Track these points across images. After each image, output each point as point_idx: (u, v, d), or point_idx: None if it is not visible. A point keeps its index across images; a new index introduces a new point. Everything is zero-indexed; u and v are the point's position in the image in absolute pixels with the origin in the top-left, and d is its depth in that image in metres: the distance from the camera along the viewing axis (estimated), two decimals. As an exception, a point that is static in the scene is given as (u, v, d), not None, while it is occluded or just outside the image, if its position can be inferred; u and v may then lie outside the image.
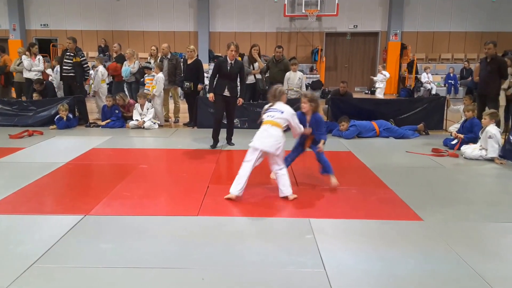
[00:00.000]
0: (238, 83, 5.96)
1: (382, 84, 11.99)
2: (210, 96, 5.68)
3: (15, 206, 3.48)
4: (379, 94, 11.97)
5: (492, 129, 5.10)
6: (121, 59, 8.56)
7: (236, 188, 3.62)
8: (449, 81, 13.14)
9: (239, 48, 5.66)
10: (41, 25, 14.96)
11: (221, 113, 5.87)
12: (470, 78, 11.13)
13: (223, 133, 5.99)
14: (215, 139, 5.85)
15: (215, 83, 5.69)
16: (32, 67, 8.44)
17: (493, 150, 5.04)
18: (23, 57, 8.46)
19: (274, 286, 2.31)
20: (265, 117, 3.77)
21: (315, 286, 2.31)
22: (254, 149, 3.69)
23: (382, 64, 11.20)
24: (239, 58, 6.02)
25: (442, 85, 13.35)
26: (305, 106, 3.93)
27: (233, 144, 5.98)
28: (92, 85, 8.26)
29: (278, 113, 3.70)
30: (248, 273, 2.44)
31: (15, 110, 7.57)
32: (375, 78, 12.36)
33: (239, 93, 5.84)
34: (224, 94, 5.65)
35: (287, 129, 3.79)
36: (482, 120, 5.29)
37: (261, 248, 2.74)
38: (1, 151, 5.41)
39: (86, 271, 2.45)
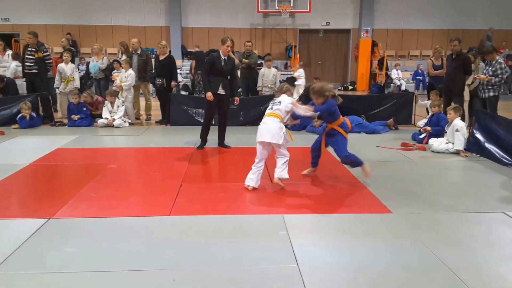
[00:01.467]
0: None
1: (301, 80, 10.46)
2: (208, 95, 5.29)
3: (-27, 211, 3.28)
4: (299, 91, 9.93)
5: (459, 123, 5.30)
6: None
7: (249, 181, 3.85)
8: (417, 77, 13.53)
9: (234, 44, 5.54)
10: (1, 19, 14.21)
11: (213, 113, 5.64)
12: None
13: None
14: (204, 139, 5.59)
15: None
16: (1, 63, 8.06)
17: (460, 143, 5.23)
18: None
19: (246, 283, 2.29)
20: (267, 110, 3.94)
21: (287, 282, 2.30)
22: (258, 144, 3.85)
23: (299, 62, 10.78)
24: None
25: (411, 81, 13.74)
26: (318, 102, 3.97)
27: (229, 147, 5.64)
28: (69, 82, 7.61)
29: (277, 104, 3.86)
30: (220, 271, 2.41)
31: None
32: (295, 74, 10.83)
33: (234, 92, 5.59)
34: (218, 92, 5.36)
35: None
36: (448, 114, 5.47)
37: (234, 246, 2.71)
38: (-42, 153, 5.10)
39: (51, 277, 2.34)
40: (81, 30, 14.34)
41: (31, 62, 7.39)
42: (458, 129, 5.22)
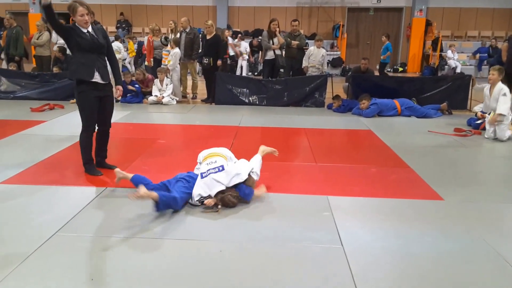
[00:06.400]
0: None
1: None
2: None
3: (36, 177, 3.57)
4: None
5: (505, 87, 5.04)
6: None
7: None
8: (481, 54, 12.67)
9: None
10: (60, -1, 14.97)
11: (95, 116, 3.60)
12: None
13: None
14: (90, 159, 3.66)
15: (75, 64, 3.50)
16: (58, 39, 8.58)
17: (505, 108, 4.92)
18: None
19: (289, 260, 2.32)
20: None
21: (332, 261, 2.31)
22: None
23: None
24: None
25: (467, 64, 12.84)
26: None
27: (114, 167, 3.51)
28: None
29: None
30: (263, 247, 2.45)
31: (37, 83, 7.68)
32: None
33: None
34: (94, 80, 3.47)
35: None
36: (490, 75, 5.20)
37: (278, 224, 2.75)
38: (22, 124, 5.54)
39: (108, 241, 2.51)
40: (133, 9, 14.77)
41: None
42: (506, 93, 4.95)
